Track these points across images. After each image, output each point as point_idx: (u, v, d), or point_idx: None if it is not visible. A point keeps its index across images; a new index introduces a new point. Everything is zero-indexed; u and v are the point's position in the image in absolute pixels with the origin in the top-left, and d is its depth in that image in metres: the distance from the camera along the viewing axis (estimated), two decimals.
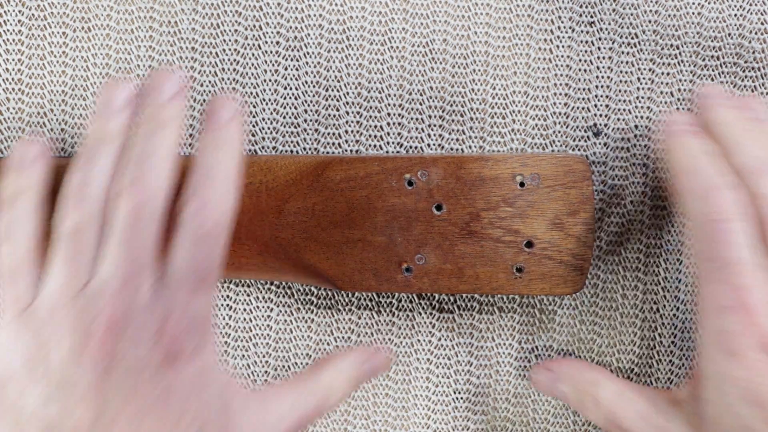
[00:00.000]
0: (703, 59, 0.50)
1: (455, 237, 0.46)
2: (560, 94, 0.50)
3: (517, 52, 0.50)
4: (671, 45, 0.49)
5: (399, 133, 0.50)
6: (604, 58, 0.50)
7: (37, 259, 0.42)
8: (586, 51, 0.50)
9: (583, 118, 0.50)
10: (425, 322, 0.51)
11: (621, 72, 0.50)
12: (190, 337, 0.40)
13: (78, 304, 0.39)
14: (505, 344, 0.51)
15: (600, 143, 0.50)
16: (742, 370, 0.39)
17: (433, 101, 0.50)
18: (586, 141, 0.50)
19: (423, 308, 0.51)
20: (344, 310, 0.51)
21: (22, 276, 0.41)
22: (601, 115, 0.50)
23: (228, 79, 0.50)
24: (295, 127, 0.50)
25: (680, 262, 0.50)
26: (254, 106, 0.50)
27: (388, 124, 0.50)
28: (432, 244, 0.46)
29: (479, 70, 0.50)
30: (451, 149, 0.50)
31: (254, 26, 0.49)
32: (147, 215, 0.40)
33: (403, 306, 0.51)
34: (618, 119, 0.50)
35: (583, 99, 0.50)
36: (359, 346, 0.48)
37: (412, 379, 0.52)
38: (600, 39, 0.49)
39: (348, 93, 0.50)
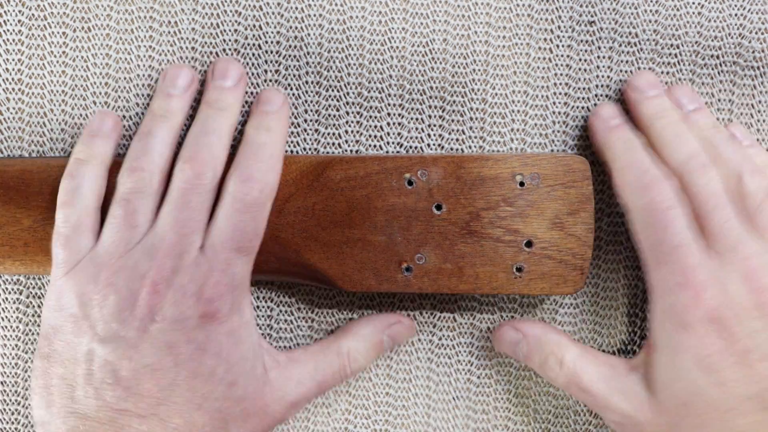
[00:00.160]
0: (703, 59, 0.50)
1: (455, 236, 0.46)
2: (560, 94, 0.50)
3: (517, 52, 0.50)
4: (671, 45, 0.49)
5: (399, 133, 0.50)
6: (603, 57, 0.50)
7: (93, 225, 0.46)
8: (585, 51, 0.50)
9: (582, 118, 0.50)
10: (426, 322, 0.51)
11: (621, 72, 0.50)
12: (227, 298, 0.44)
13: (129, 260, 0.44)
14: None
15: None
16: (693, 340, 0.43)
17: (433, 101, 0.50)
18: (585, 140, 0.50)
19: (423, 307, 0.51)
20: (344, 309, 0.51)
21: (77, 238, 0.45)
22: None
23: None
24: (295, 127, 0.50)
25: None
26: None
27: (388, 124, 0.50)
28: (432, 243, 0.47)
29: (479, 70, 0.50)
30: (451, 149, 0.50)
31: (254, 26, 0.49)
32: (200, 186, 0.45)
33: (403, 305, 0.51)
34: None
35: (583, 99, 0.50)
36: (382, 314, 0.50)
37: (413, 378, 0.52)
38: (600, 39, 0.49)
39: (348, 93, 0.50)
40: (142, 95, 0.50)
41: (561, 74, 0.50)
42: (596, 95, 0.50)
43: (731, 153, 0.45)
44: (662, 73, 0.49)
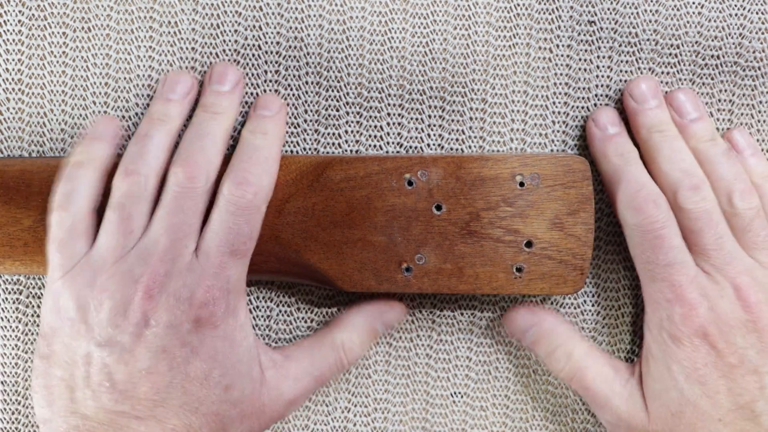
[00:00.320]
0: (703, 59, 0.50)
1: (455, 237, 0.46)
2: (560, 94, 0.50)
3: (517, 52, 0.49)
4: (671, 45, 0.49)
5: (399, 133, 0.50)
6: (603, 57, 0.50)
7: (88, 228, 0.46)
8: (585, 51, 0.50)
9: (582, 118, 0.50)
10: (425, 318, 0.51)
11: (621, 72, 0.50)
12: (222, 302, 0.44)
13: (123, 266, 0.44)
14: (504, 341, 0.51)
15: None
16: (684, 354, 0.45)
17: (433, 101, 0.50)
18: (585, 141, 0.50)
19: (423, 305, 0.51)
20: (344, 310, 0.51)
21: (71, 242, 0.45)
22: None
23: None
24: (295, 127, 0.50)
25: None
26: None
27: (388, 124, 0.50)
28: (432, 243, 0.47)
29: (479, 70, 0.50)
30: (451, 149, 0.50)
31: (254, 26, 0.49)
32: (193, 190, 0.45)
33: (403, 304, 0.51)
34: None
35: (583, 99, 0.50)
36: (373, 302, 0.50)
37: (412, 375, 0.52)
38: (600, 39, 0.49)
39: (348, 93, 0.50)
40: (142, 96, 0.50)
41: (561, 74, 0.50)
42: (596, 95, 0.50)
43: (725, 170, 0.47)
44: (662, 73, 0.49)
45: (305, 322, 0.51)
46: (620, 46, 0.49)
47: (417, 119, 0.50)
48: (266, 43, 0.49)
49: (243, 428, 0.45)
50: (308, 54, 0.49)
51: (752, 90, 0.50)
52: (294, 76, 0.49)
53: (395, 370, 0.52)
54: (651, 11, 0.49)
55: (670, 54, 0.49)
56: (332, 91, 0.50)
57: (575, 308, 0.51)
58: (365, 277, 0.47)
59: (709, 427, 0.45)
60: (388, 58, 0.49)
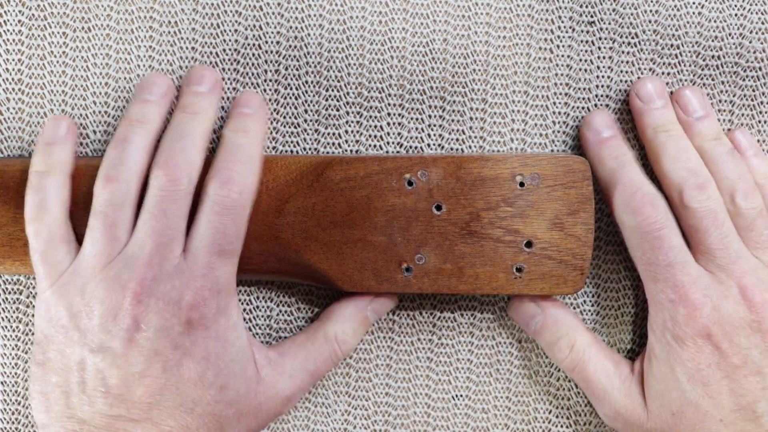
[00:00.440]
0: (703, 59, 0.50)
1: (455, 237, 0.46)
2: (560, 94, 0.50)
3: (517, 52, 0.49)
4: (671, 45, 0.49)
5: (399, 133, 0.50)
6: (604, 58, 0.50)
7: (66, 235, 0.46)
8: (586, 51, 0.50)
9: (583, 118, 0.50)
10: (426, 321, 0.51)
11: (621, 72, 0.50)
12: (212, 303, 0.44)
13: (111, 272, 0.44)
14: (505, 343, 0.51)
15: None
16: (687, 354, 0.45)
17: (433, 101, 0.50)
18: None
19: (423, 307, 0.51)
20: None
21: (53, 251, 0.45)
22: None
23: (228, 78, 0.50)
24: (295, 127, 0.50)
25: None
26: None
27: (388, 124, 0.50)
28: (432, 244, 0.46)
29: (479, 70, 0.49)
30: (451, 149, 0.50)
31: (254, 26, 0.49)
32: (176, 192, 0.45)
33: (403, 305, 0.51)
34: (618, 119, 0.50)
35: (584, 99, 0.50)
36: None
37: (413, 378, 0.52)
38: (600, 39, 0.49)
39: (348, 93, 0.50)
40: None
41: (561, 74, 0.50)
42: (596, 96, 0.50)
43: (729, 170, 0.47)
44: (663, 74, 0.49)
45: (305, 322, 0.51)
46: (620, 46, 0.49)
47: (417, 119, 0.50)
48: (266, 43, 0.49)
49: (240, 427, 0.45)
50: (308, 54, 0.49)
51: (753, 90, 0.50)
52: (294, 76, 0.50)
53: (396, 373, 0.52)
54: (651, 11, 0.49)
55: (671, 54, 0.49)
56: (332, 91, 0.50)
57: (575, 308, 0.51)
58: (365, 277, 0.47)
59: (710, 427, 0.45)
60: (388, 58, 0.49)
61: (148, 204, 0.45)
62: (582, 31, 0.49)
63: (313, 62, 0.49)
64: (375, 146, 0.50)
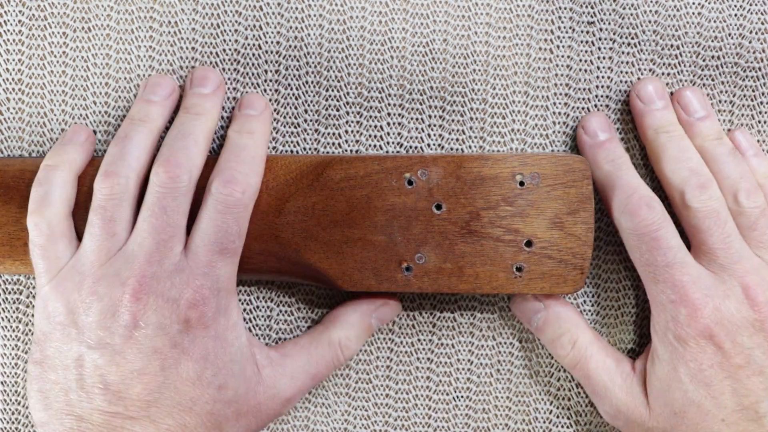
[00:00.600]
0: (703, 59, 0.50)
1: (455, 236, 0.46)
2: (560, 94, 0.50)
3: (517, 52, 0.50)
4: (671, 45, 0.49)
5: (399, 133, 0.50)
6: (604, 58, 0.50)
7: (67, 231, 0.46)
8: (586, 51, 0.50)
9: (579, 120, 0.50)
10: (426, 321, 0.51)
11: (621, 72, 0.50)
12: (211, 301, 0.44)
13: (110, 269, 0.44)
14: (505, 343, 0.51)
15: None
16: (689, 354, 0.45)
17: (433, 101, 0.50)
18: None
19: (423, 307, 0.51)
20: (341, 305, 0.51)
21: (53, 246, 0.45)
22: (605, 114, 0.50)
23: (228, 79, 0.50)
24: (295, 127, 0.50)
25: None
26: None
27: (388, 124, 0.50)
28: (432, 243, 0.46)
29: (479, 70, 0.50)
30: (451, 149, 0.50)
31: (254, 26, 0.49)
32: (176, 190, 0.45)
33: (403, 305, 0.51)
34: (618, 120, 0.50)
35: (584, 99, 0.50)
36: (367, 298, 0.50)
37: (413, 379, 0.52)
38: (600, 39, 0.49)
39: (348, 93, 0.50)
40: None
41: (561, 75, 0.50)
42: (596, 96, 0.50)
43: (731, 169, 0.47)
44: (663, 74, 0.49)
45: (305, 322, 0.51)
46: (620, 46, 0.50)
47: (417, 119, 0.50)
48: (266, 43, 0.49)
49: (239, 426, 0.45)
50: (308, 54, 0.49)
51: (753, 90, 0.50)
52: (294, 76, 0.50)
53: (396, 374, 0.52)
54: (651, 12, 0.49)
55: (671, 55, 0.49)
56: (332, 91, 0.50)
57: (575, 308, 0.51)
58: (365, 277, 0.47)
59: (712, 427, 0.45)
60: (388, 58, 0.49)
61: (148, 201, 0.45)
62: (582, 32, 0.49)
63: (313, 62, 0.49)
64: (375, 146, 0.50)
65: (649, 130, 0.48)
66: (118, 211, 0.45)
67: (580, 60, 0.50)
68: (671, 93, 0.49)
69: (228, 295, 0.45)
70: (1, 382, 0.51)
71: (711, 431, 0.45)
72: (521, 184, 0.46)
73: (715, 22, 0.49)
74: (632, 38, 0.49)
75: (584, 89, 0.50)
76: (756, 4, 0.49)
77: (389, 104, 0.50)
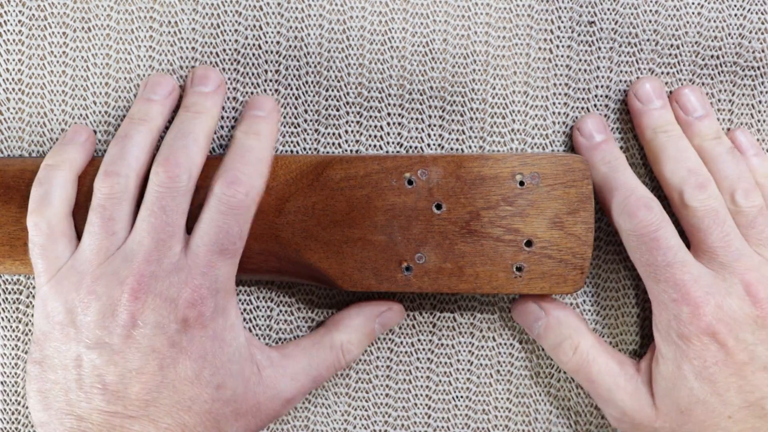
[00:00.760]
0: (703, 59, 0.50)
1: (455, 236, 0.46)
2: (560, 94, 0.50)
3: (517, 52, 0.50)
4: (671, 45, 0.49)
5: (399, 133, 0.50)
6: (604, 58, 0.50)
7: (67, 230, 0.46)
8: (585, 51, 0.50)
9: (575, 121, 0.50)
10: (426, 322, 0.51)
11: (621, 72, 0.50)
12: (210, 301, 0.44)
13: (109, 268, 0.44)
14: (505, 344, 0.51)
15: None
16: (693, 352, 0.45)
17: (433, 101, 0.50)
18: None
19: (423, 307, 0.51)
20: (343, 309, 0.51)
21: (52, 246, 0.45)
22: (600, 115, 0.50)
23: (228, 79, 0.50)
24: (295, 127, 0.50)
25: None
26: None
27: (388, 124, 0.50)
28: (432, 243, 0.46)
29: (479, 70, 0.50)
30: (451, 149, 0.50)
31: (254, 26, 0.49)
32: (175, 189, 0.45)
33: (403, 305, 0.51)
34: (617, 119, 0.50)
35: (583, 100, 0.50)
36: (371, 302, 0.50)
37: (413, 379, 0.52)
38: (600, 39, 0.49)
39: (348, 93, 0.50)
40: None
41: (561, 75, 0.50)
42: (596, 96, 0.50)
43: (729, 169, 0.47)
44: (662, 74, 0.49)
45: (305, 322, 0.51)
46: (620, 46, 0.50)
47: (417, 119, 0.50)
48: (266, 43, 0.49)
49: (238, 426, 0.46)
50: (308, 54, 0.49)
51: (752, 90, 0.50)
52: (294, 76, 0.50)
53: (396, 374, 0.52)
54: (651, 12, 0.49)
55: (670, 54, 0.50)
56: (332, 91, 0.50)
57: (575, 308, 0.51)
58: (365, 277, 0.47)
59: (718, 424, 0.45)
60: (388, 58, 0.49)
61: (148, 200, 0.45)
62: (582, 32, 0.49)
63: (313, 62, 0.49)
64: (375, 146, 0.50)
65: (648, 129, 0.48)
66: (118, 211, 0.45)
67: (580, 60, 0.50)
68: (670, 92, 0.49)
69: (226, 295, 0.45)
70: (1, 382, 0.51)
71: (718, 428, 0.45)
72: (521, 183, 0.46)
73: (714, 21, 0.49)
74: (632, 38, 0.49)
75: (584, 89, 0.50)
76: (755, 4, 0.49)
77: (389, 104, 0.50)
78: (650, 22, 0.49)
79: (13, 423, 0.52)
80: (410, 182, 0.46)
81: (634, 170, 0.48)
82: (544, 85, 0.50)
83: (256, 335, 0.51)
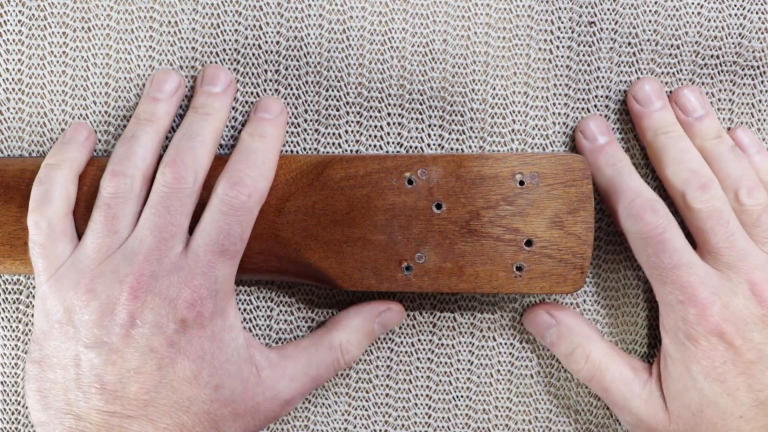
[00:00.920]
0: (703, 59, 0.50)
1: (455, 235, 0.46)
2: (560, 95, 0.50)
3: (517, 52, 0.50)
4: (671, 45, 0.49)
5: (399, 133, 0.50)
6: (604, 59, 0.50)
7: (67, 229, 0.46)
8: (585, 51, 0.50)
9: (577, 123, 0.50)
10: (426, 321, 0.51)
11: (621, 73, 0.50)
12: (209, 302, 0.44)
13: (109, 266, 0.44)
14: (506, 344, 0.51)
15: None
16: (701, 353, 0.45)
17: (433, 101, 0.50)
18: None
19: (423, 307, 0.51)
20: (343, 309, 0.51)
21: (52, 245, 0.45)
22: (600, 115, 0.50)
23: None
24: (295, 127, 0.50)
25: None
26: None
27: (388, 124, 0.50)
28: (432, 242, 0.46)
29: (479, 70, 0.50)
30: (451, 149, 0.50)
31: (254, 26, 0.49)
32: (181, 190, 0.45)
33: (403, 305, 0.51)
34: (618, 119, 0.50)
35: (583, 100, 0.50)
36: (371, 303, 0.50)
37: (413, 379, 0.52)
38: (600, 39, 0.49)
39: (348, 93, 0.50)
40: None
41: (561, 75, 0.50)
42: (596, 96, 0.50)
43: (732, 168, 0.47)
44: (662, 74, 0.50)
45: (305, 322, 0.51)
46: (620, 46, 0.50)
47: (417, 119, 0.50)
48: (266, 43, 0.49)
49: (237, 427, 0.46)
50: (308, 54, 0.49)
51: (752, 89, 0.50)
52: (294, 76, 0.50)
53: (396, 374, 0.52)
54: (651, 12, 0.49)
55: (670, 54, 0.50)
56: (332, 91, 0.50)
57: (575, 308, 0.51)
58: (365, 276, 0.47)
59: (730, 424, 0.45)
60: (388, 58, 0.49)
61: (152, 200, 0.45)
62: (582, 32, 0.49)
63: (313, 62, 0.49)
64: (375, 146, 0.50)
65: (648, 131, 0.48)
66: (122, 210, 0.45)
67: (580, 60, 0.50)
68: (669, 93, 0.49)
69: (226, 296, 0.45)
70: (1, 382, 0.51)
71: (731, 429, 0.45)
72: (521, 183, 0.46)
73: (714, 21, 0.49)
74: (632, 38, 0.49)
75: (584, 89, 0.50)
76: (755, 4, 0.49)
77: (389, 104, 0.50)
78: (650, 22, 0.49)
79: (13, 423, 0.52)
80: (410, 182, 0.46)
81: (637, 171, 0.48)
82: (544, 85, 0.50)
83: (256, 335, 0.51)
